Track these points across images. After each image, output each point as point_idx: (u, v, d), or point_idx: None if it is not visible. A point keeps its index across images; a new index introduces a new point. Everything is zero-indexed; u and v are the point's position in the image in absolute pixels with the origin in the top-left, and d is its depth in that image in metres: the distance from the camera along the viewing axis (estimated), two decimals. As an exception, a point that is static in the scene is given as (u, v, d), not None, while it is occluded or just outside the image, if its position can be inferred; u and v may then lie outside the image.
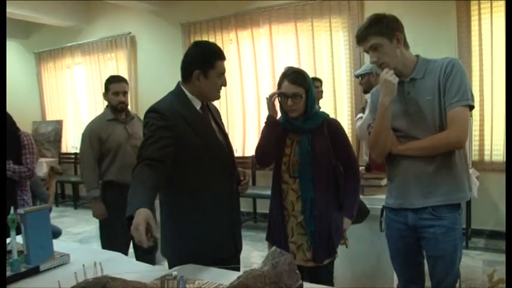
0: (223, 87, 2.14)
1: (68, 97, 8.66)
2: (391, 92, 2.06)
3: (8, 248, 1.89)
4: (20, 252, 1.90)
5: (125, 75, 7.46)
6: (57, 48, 8.49)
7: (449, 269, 2.16)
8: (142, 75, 7.55)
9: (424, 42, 4.85)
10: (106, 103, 3.58)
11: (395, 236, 2.27)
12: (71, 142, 8.68)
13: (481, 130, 5.04)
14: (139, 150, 1.94)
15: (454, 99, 2.01)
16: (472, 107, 2.05)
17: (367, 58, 5.20)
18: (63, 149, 8.40)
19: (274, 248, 1.35)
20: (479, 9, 4.91)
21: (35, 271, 1.88)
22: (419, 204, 2.12)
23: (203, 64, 2.03)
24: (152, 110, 2.04)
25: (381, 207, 2.46)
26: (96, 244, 5.64)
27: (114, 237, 3.28)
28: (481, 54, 4.94)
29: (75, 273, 1.36)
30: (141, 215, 1.58)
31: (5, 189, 2.82)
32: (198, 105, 2.11)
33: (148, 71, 7.41)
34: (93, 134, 3.45)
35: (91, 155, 3.44)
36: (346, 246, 2.48)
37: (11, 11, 6.56)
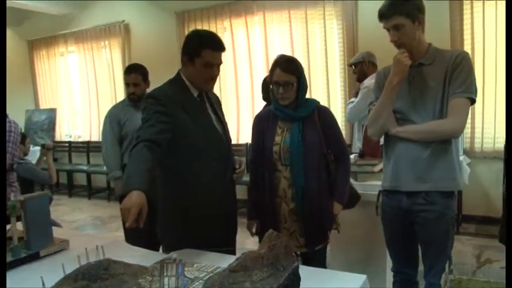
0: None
1: (61, 85, 8.63)
2: (402, 73, 2.10)
3: (9, 234, 1.92)
4: (20, 239, 1.92)
5: (119, 64, 7.51)
6: (50, 36, 8.43)
7: (440, 253, 2.21)
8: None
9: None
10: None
11: (390, 220, 2.32)
12: (65, 130, 8.70)
13: (472, 118, 5.08)
14: (137, 132, 1.97)
15: (458, 89, 2.05)
16: (473, 101, 2.09)
17: (361, 47, 5.31)
18: (57, 138, 8.36)
19: (270, 231, 1.39)
20: (472, 8, 4.96)
21: (35, 257, 1.91)
22: (411, 188, 2.16)
23: (190, 51, 2.06)
24: (149, 96, 2.08)
25: (373, 192, 2.51)
26: (92, 232, 5.68)
27: None
28: (472, 43, 4.98)
29: (78, 256, 1.40)
30: (138, 198, 1.60)
31: (5, 185, 2.78)
32: (195, 92, 2.14)
33: (143, 59, 7.18)
34: (112, 117, 3.54)
35: (111, 137, 3.51)
36: (338, 232, 2.51)
37: (3, -2, 6.50)
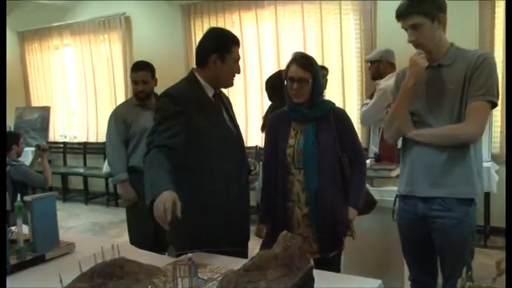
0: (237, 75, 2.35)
1: (56, 81, 8.73)
2: (417, 75, 2.21)
3: (14, 236, 2.05)
4: (25, 241, 2.05)
5: (119, 59, 7.64)
6: (43, 27, 8.53)
7: (459, 263, 2.32)
8: (138, 59, 7.48)
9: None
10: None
11: (406, 226, 2.44)
12: (60, 130, 8.82)
13: (502, 121, 5.15)
14: (150, 135, 2.14)
15: (478, 92, 2.14)
16: (495, 105, 2.19)
17: (379, 44, 5.41)
18: (51, 138, 8.45)
19: (285, 232, 1.53)
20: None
21: (40, 259, 2.05)
22: (426, 193, 2.28)
23: (220, 48, 2.23)
24: (165, 95, 2.25)
25: (390, 198, 2.63)
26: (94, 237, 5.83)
27: (139, 223, 3.48)
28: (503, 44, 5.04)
29: (94, 254, 1.53)
30: (170, 194, 1.81)
31: (4, 188, 2.93)
32: (210, 92, 2.30)
33: (145, 54, 7.36)
34: (118, 118, 3.70)
35: (117, 138, 3.67)
36: (353, 238, 2.63)
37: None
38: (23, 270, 1.97)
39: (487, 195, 5.07)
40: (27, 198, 2.05)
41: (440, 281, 2.46)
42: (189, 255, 1.58)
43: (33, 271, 1.98)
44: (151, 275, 1.53)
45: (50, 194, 2.17)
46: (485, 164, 4.66)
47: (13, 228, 2.12)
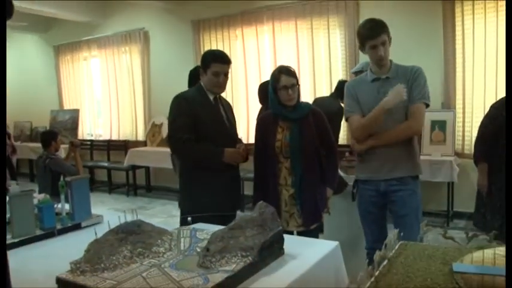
0: (229, 83, 2.83)
1: (84, 87, 9.08)
2: (395, 101, 2.48)
3: (58, 209, 2.37)
4: (67, 213, 2.38)
5: (138, 69, 7.98)
6: (74, 41, 8.90)
7: (410, 230, 2.63)
8: (155, 68, 7.99)
9: (413, 39, 5.33)
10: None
11: (366, 201, 2.78)
12: (87, 130, 9.17)
13: (463, 123, 5.45)
14: (177, 130, 2.69)
15: (416, 96, 2.53)
16: (427, 105, 2.58)
17: (362, 55, 5.70)
18: (80, 136, 8.77)
19: (261, 201, 1.83)
20: (463, 10, 5.30)
21: (77, 226, 2.37)
22: (387, 176, 2.65)
23: (203, 64, 2.75)
24: (178, 97, 2.79)
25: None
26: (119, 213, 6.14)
27: None
28: (463, 52, 5.35)
29: (119, 216, 1.84)
30: (227, 149, 2.71)
31: (4, 183, 3.22)
32: (211, 96, 2.79)
33: (161, 64, 7.85)
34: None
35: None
36: (329, 214, 2.90)
37: (32, 7, 7.06)
38: (65, 233, 2.29)
39: (450, 184, 5.37)
40: (67, 179, 2.36)
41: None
42: (189, 219, 1.89)
43: (73, 235, 2.29)
44: (161, 234, 1.83)
45: (84, 176, 2.48)
46: (448, 158, 5.00)
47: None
